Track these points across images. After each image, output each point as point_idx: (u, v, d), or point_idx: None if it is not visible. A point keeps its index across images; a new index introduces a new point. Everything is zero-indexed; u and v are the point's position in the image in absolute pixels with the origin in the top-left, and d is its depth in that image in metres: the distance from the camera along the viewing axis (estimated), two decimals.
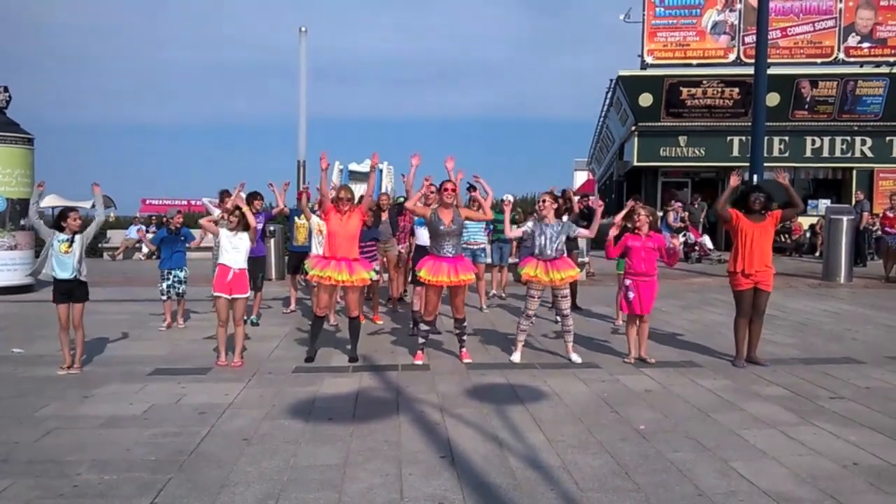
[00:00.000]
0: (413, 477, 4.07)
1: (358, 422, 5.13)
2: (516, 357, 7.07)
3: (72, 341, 6.71)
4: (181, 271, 8.98)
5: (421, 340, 7.05)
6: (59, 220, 6.79)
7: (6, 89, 12.77)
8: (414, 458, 4.37)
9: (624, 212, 7.73)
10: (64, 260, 6.63)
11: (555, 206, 7.31)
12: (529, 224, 7.15)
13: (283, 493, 3.83)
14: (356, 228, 6.98)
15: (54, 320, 6.75)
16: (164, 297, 8.92)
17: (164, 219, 23.90)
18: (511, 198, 12.10)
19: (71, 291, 6.68)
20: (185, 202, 38.59)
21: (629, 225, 7.48)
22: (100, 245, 20.35)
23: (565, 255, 7.16)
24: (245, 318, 7.41)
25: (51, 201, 31.80)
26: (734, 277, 6.86)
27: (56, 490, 3.88)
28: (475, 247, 10.32)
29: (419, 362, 6.88)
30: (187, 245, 9.10)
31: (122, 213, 28.71)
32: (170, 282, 8.89)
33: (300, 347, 7.71)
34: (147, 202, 41.41)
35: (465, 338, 7.18)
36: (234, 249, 6.88)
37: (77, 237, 6.71)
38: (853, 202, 17.95)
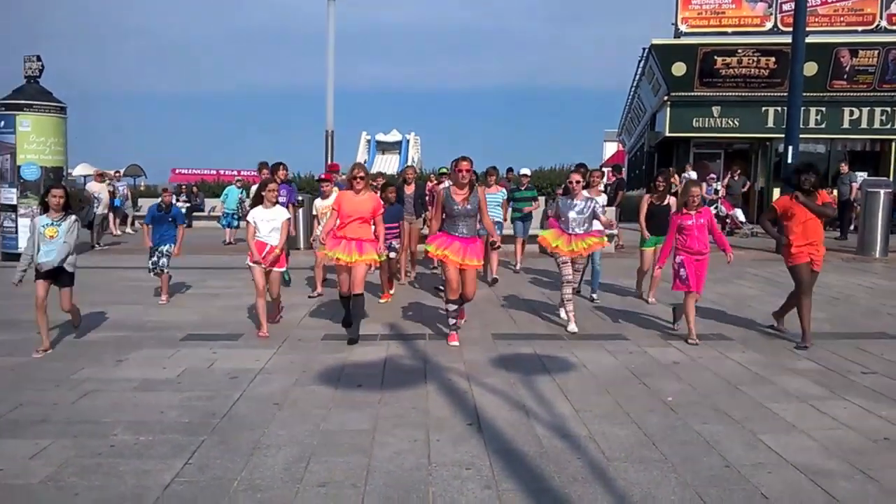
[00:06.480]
0: (441, 443, 4.12)
1: (386, 389, 5.18)
2: (572, 327, 7.05)
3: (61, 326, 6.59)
4: (165, 245, 8.62)
5: (451, 321, 6.67)
6: (43, 196, 6.33)
7: (39, 58, 12.91)
8: (441, 425, 4.41)
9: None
10: (48, 245, 6.13)
11: (582, 183, 7.48)
12: (559, 203, 7.38)
13: (313, 457, 3.90)
14: (370, 212, 6.66)
15: (87, 287, 6.83)
16: (152, 273, 8.70)
17: (194, 188, 24.24)
18: (529, 171, 12.17)
19: (55, 276, 6.21)
20: (215, 172, 38.98)
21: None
22: (132, 215, 20.54)
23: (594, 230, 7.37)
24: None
25: (82, 170, 32.24)
26: (790, 257, 6.68)
27: (94, 450, 3.99)
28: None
29: (455, 343, 6.51)
30: (177, 224, 8.73)
31: (152, 182, 29.05)
32: (155, 258, 8.62)
33: (329, 315, 7.79)
34: (177, 171, 41.91)
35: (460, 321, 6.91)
36: (271, 220, 6.83)
37: (65, 223, 6.22)
38: (839, 173, 17.57)
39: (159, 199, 8.94)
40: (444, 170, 11.19)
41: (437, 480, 3.62)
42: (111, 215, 17.93)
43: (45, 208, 6.27)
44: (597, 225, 7.48)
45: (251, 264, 6.86)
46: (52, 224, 6.17)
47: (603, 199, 9.27)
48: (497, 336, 6.87)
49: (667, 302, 8.42)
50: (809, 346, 6.44)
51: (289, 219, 7.06)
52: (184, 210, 21.78)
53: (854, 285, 10.25)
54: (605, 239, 7.36)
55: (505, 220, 10.94)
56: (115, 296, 8.93)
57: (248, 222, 7.00)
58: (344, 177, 9.51)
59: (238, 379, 5.37)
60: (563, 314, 7.37)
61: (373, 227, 6.74)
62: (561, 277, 7.22)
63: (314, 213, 9.31)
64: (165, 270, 8.68)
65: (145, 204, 22.87)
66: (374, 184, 8.63)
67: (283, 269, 7.15)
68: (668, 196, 8.73)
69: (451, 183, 6.83)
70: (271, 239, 6.84)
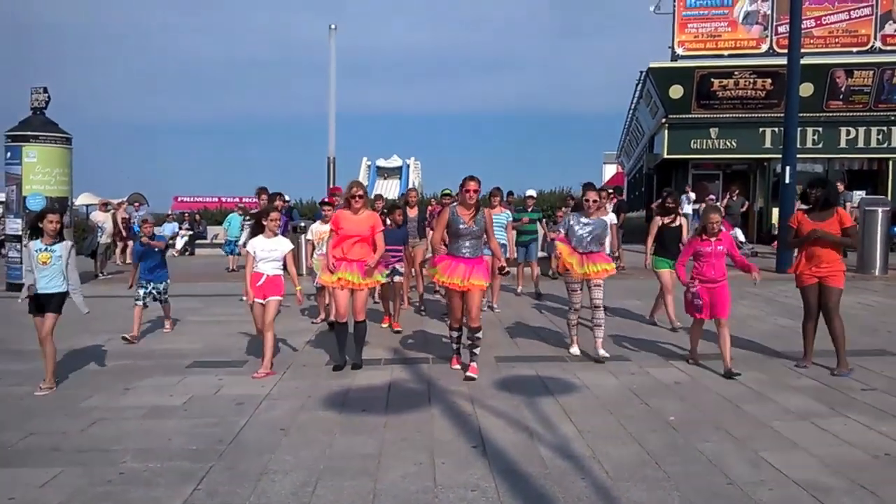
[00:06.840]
0: (446, 466, 4.16)
1: (391, 413, 5.23)
2: (575, 350, 7.15)
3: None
4: (161, 283, 8.46)
5: (455, 347, 6.67)
6: (36, 220, 6.04)
7: (45, 90, 13.10)
8: (446, 448, 4.46)
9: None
10: (42, 272, 5.93)
11: (599, 203, 7.37)
12: (570, 220, 7.22)
13: (320, 481, 3.95)
14: (369, 230, 6.59)
15: (91, 316, 6.84)
16: (139, 302, 8.23)
17: (196, 215, 24.36)
18: (534, 193, 12.21)
19: (46, 303, 5.97)
20: (217, 199, 39.15)
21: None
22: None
23: (602, 251, 7.26)
24: None
25: (85, 199, 32.35)
26: (796, 277, 6.61)
27: (104, 477, 4.05)
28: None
29: (457, 367, 6.54)
30: (160, 243, 8.58)
31: (155, 211, 29.14)
32: (148, 290, 8.34)
33: (333, 340, 7.84)
34: (179, 199, 42.03)
35: (477, 351, 6.41)
36: (272, 250, 6.56)
37: (60, 247, 6.02)
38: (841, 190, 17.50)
39: (140, 236, 8.64)
40: (448, 191, 11.26)
41: (443, 503, 3.67)
42: (120, 245, 18.02)
43: (34, 234, 6.01)
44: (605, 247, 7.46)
45: (250, 302, 6.56)
46: (46, 249, 5.96)
47: (611, 217, 9.23)
48: (500, 359, 6.92)
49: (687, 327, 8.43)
50: (808, 366, 6.47)
51: (292, 250, 6.85)
52: (186, 238, 22.12)
53: (854, 303, 10.28)
54: (612, 265, 7.31)
55: (511, 253, 10.95)
56: (120, 325, 8.98)
57: (247, 252, 6.73)
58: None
59: (244, 405, 5.42)
60: (598, 334, 7.11)
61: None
62: (570, 303, 7.16)
63: (309, 237, 9.04)
64: (167, 302, 8.63)
65: None
66: (376, 208, 8.59)
67: (280, 298, 6.66)
68: (678, 217, 8.70)
69: (457, 202, 6.67)
70: (268, 269, 6.54)
